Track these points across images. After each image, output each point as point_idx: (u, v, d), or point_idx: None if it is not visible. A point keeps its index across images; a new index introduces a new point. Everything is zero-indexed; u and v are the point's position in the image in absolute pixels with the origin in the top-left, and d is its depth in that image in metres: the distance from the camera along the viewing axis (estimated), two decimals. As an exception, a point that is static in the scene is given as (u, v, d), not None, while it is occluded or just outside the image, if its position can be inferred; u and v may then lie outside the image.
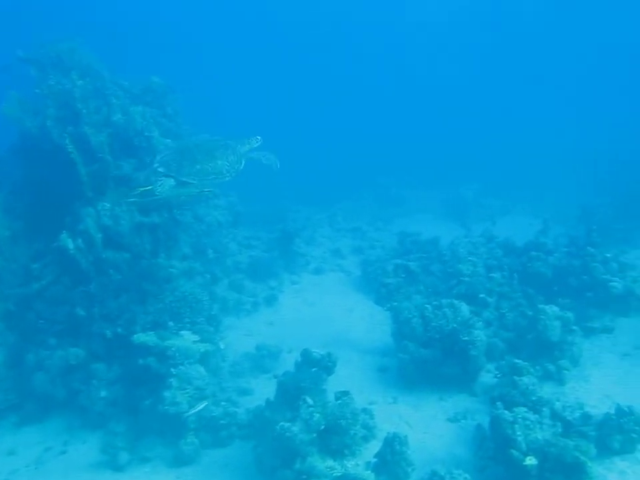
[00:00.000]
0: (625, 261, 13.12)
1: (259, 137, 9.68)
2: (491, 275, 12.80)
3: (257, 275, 15.62)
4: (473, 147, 32.68)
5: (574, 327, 11.21)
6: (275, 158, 9.66)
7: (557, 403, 8.96)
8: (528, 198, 25.97)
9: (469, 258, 14.09)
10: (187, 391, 9.87)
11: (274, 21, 54.36)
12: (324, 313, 14.49)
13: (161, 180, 8.41)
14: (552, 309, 11.10)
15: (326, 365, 9.90)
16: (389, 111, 43.57)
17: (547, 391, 10.08)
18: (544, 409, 8.47)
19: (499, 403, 8.52)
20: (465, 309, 11.13)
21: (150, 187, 8.44)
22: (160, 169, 8.48)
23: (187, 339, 10.51)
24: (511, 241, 14.95)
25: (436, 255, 15.03)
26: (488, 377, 10.90)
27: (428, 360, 10.84)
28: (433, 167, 29.51)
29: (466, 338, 10.38)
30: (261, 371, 11.92)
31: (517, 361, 9.79)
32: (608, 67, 47.63)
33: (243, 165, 9.13)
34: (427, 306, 11.36)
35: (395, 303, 12.24)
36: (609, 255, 13.05)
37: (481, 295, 12.28)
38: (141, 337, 10.33)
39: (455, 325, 10.68)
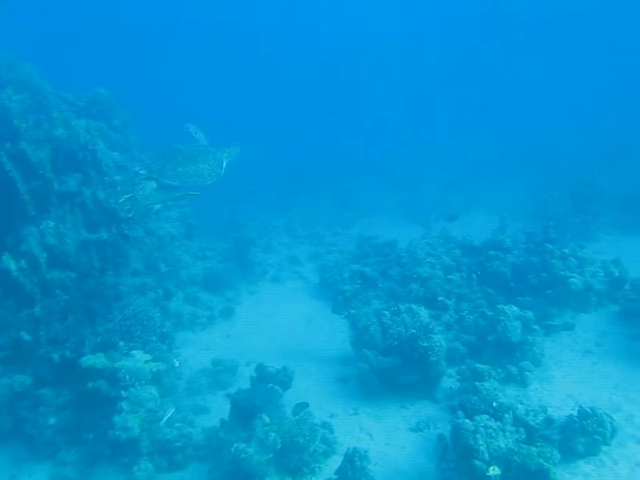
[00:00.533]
0: (583, 256, 12.99)
1: (238, 144, 9.79)
2: (449, 276, 12.56)
3: (212, 286, 15.17)
4: (432, 146, 32.74)
5: (535, 327, 11.05)
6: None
7: (520, 407, 8.76)
8: (487, 195, 25.98)
9: (428, 259, 13.89)
10: (139, 414, 9.40)
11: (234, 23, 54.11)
12: (282, 323, 14.11)
13: (142, 183, 8.39)
14: (511, 309, 10.91)
15: (282, 380, 9.55)
16: (347, 111, 43.51)
17: (509, 394, 9.93)
18: (506, 415, 8.20)
19: (459, 412, 8.25)
20: (423, 313, 10.88)
21: (130, 195, 8.44)
22: (142, 172, 8.49)
23: (138, 359, 10.03)
24: (469, 240, 14.77)
25: (394, 258, 14.77)
26: (450, 381, 10.63)
27: (388, 368, 10.53)
28: (393, 167, 29.38)
29: (425, 344, 10.11)
30: (218, 386, 11.49)
31: (477, 365, 9.59)
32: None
33: (224, 169, 9.22)
34: (385, 312, 11.09)
35: (353, 311, 11.94)
36: (567, 251, 12.92)
37: (440, 298, 12.05)
38: (89, 360, 9.85)
39: (413, 331, 10.39)
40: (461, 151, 31.35)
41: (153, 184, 8.42)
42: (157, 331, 11.03)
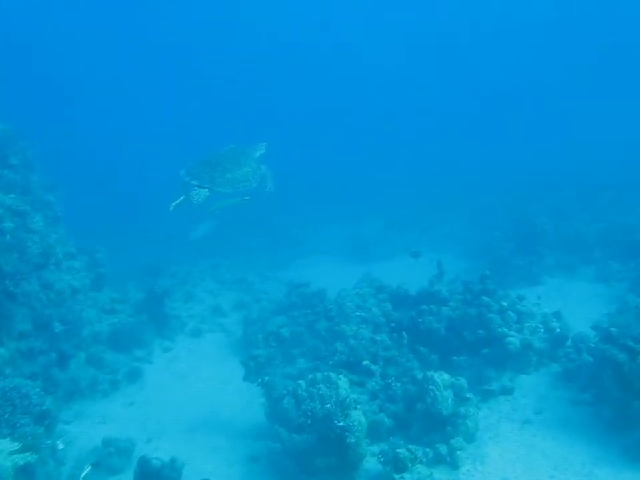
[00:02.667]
0: (523, 309, 11.93)
1: (264, 143, 10.06)
2: (375, 337, 11.32)
3: (121, 344, 13.64)
4: (378, 180, 31.77)
5: (468, 395, 9.83)
6: (272, 177, 9.88)
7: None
8: (432, 232, 25.08)
9: (357, 313, 12.68)
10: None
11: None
12: (196, 387, 12.70)
13: (195, 191, 8.70)
14: (441, 377, 9.70)
15: (168, 476, 8.08)
16: (289, 140, 42.42)
17: (438, 478, 8.67)
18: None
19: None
20: (343, 384, 9.55)
21: (182, 199, 8.76)
22: (193, 182, 8.73)
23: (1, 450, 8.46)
24: (403, 289, 13.60)
25: (322, 310, 13.49)
26: (373, 461, 9.33)
27: (302, 449, 9.18)
28: (336, 202, 28.28)
29: (341, 423, 8.78)
30: (108, 472, 9.93)
31: (399, 450, 8.34)
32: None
33: (262, 169, 9.52)
34: (300, 382, 9.75)
35: (267, 378, 10.60)
36: (505, 304, 11.85)
37: (365, 362, 10.77)
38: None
39: (329, 406, 9.06)
40: (413, 183, 30.55)
41: (206, 192, 8.71)
42: (33, 410, 9.42)
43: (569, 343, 11.51)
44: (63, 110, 45.21)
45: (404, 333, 11.64)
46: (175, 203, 8.90)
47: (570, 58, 49.94)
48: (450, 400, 9.58)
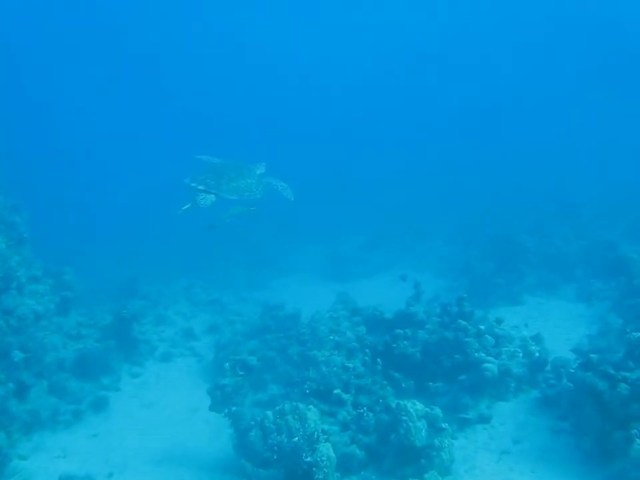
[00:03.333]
0: (501, 333, 11.58)
1: (264, 163, 10.62)
2: (348, 364, 10.87)
3: (86, 371, 13.06)
4: (359, 195, 31.43)
5: (444, 425, 9.37)
6: (289, 188, 10.53)
7: None
8: (414, 248, 24.74)
9: (330, 337, 12.25)
10: None
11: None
12: (163, 415, 12.19)
13: (201, 196, 9.06)
14: (415, 407, 9.25)
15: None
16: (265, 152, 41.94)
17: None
18: None
19: None
20: (312, 415, 9.09)
21: (189, 205, 9.12)
22: (200, 187, 9.08)
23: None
24: (379, 312, 13.19)
25: (295, 334, 13.07)
26: (344, 498, 8.89)
27: (268, 486, 8.72)
28: (316, 218, 27.86)
29: (309, 459, 8.33)
30: (65, 513, 9.41)
31: (368, 487, 7.89)
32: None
33: (262, 186, 9.96)
34: (268, 413, 9.28)
35: (234, 408, 10.14)
36: (482, 327, 11.50)
37: (336, 391, 10.30)
38: None
39: (296, 440, 8.61)
40: (395, 198, 30.18)
41: (212, 197, 9.06)
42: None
43: (548, 367, 11.14)
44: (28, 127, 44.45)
45: (378, 359, 11.21)
46: (183, 208, 9.23)
47: (556, 73, 50.21)
48: (424, 431, 9.14)
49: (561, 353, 12.70)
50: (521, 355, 11.25)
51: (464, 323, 11.46)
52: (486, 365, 10.53)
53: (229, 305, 17.91)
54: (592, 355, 9.61)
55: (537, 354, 11.23)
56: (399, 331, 11.71)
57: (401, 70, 54.61)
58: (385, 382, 10.92)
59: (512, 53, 52.71)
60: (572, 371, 10.44)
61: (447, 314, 12.55)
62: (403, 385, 11.03)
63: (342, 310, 13.43)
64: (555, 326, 14.98)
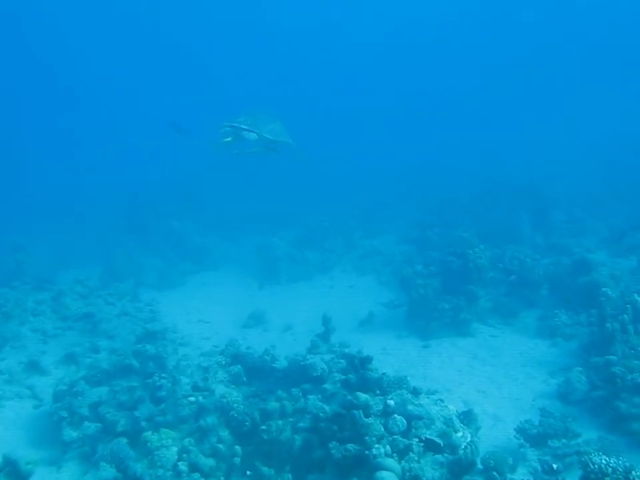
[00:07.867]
0: (416, 411, 8.24)
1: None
2: (181, 467, 7.51)
3: None
4: (317, 185, 27.90)
5: None
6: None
7: None
8: (358, 247, 21.32)
9: (190, 398, 8.94)
10: None
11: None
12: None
13: (245, 133, 9.70)
14: None
15: None
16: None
17: None
18: None
19: None
20: None
21: (230, 139, 9.75)
22: (243, 126, 9.68)
23: None
24: (268, 357, 9.89)
25: (152, 385, 9.70)
26: None
27: None
28: (247, 210, 24.26)
29: None
30: None
31: None
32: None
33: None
34: None
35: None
36: (392, 403, 8.21)
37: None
38: None
39: None
40: (347, 189, 26.84)
41: (254, 135, 9.75)
42: None
43: (479, 466, 7.86)
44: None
45: (237, 447, 7.85)
46: (225, 140, 9.73)
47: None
48: None
49: (503, 426, 9.66)
50: (441, 445, 7.93)
51: (364, 397, 8.14)
52: (381, 473, 7.14)
53: (104, 321, 13.81)
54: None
55: (464, 447, 7.91)
56: (273, 404, 8.35)
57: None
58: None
59: (511, 53, 50.12)
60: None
61: (352, 369, 9.28)
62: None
63: (220, 355, 10.00)
64: (505, 375, 11.75)
